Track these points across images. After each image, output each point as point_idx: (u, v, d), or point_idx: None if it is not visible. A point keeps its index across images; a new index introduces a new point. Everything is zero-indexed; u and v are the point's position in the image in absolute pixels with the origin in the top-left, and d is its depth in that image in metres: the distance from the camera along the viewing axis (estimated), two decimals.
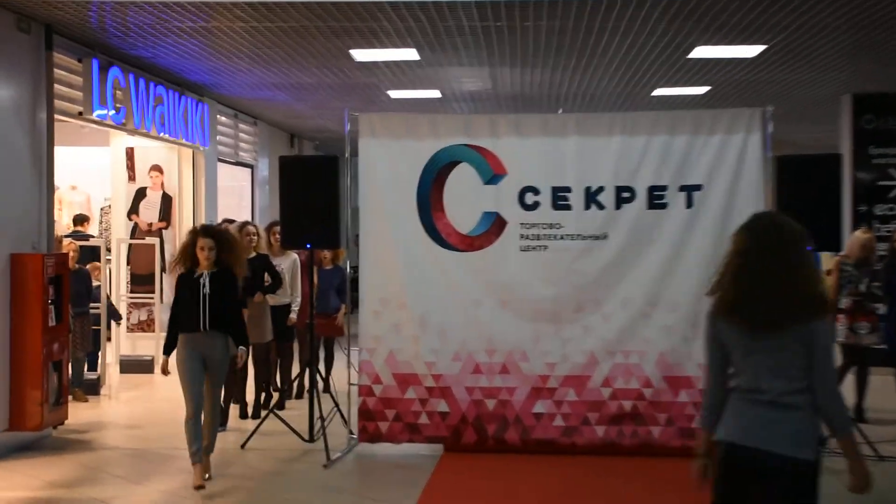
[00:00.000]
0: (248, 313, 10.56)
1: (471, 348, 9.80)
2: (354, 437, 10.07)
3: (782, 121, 14.40)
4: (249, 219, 16.46)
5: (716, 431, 4.64)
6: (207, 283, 8.47)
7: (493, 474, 9.13)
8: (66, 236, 13.16)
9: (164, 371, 8.65)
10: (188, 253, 8.62)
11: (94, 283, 12.84)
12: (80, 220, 15.19)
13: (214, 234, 8.67)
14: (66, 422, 10.65)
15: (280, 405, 11.49)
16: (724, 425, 4.62)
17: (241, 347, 8.77)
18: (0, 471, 9.26)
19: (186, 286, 8.57)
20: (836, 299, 11.33)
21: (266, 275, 11.11)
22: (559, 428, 9.70)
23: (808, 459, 4.50)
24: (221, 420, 10.50)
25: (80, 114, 11.34)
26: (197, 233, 8.73)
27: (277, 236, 11.52)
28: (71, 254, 11.81)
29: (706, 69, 13.25)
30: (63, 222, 14.61)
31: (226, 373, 8.94)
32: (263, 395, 11.70)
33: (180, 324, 8.58)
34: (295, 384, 12.36)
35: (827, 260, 12.29)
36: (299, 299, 11.71)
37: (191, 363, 8.46)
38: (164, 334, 14.65)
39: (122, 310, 14.58)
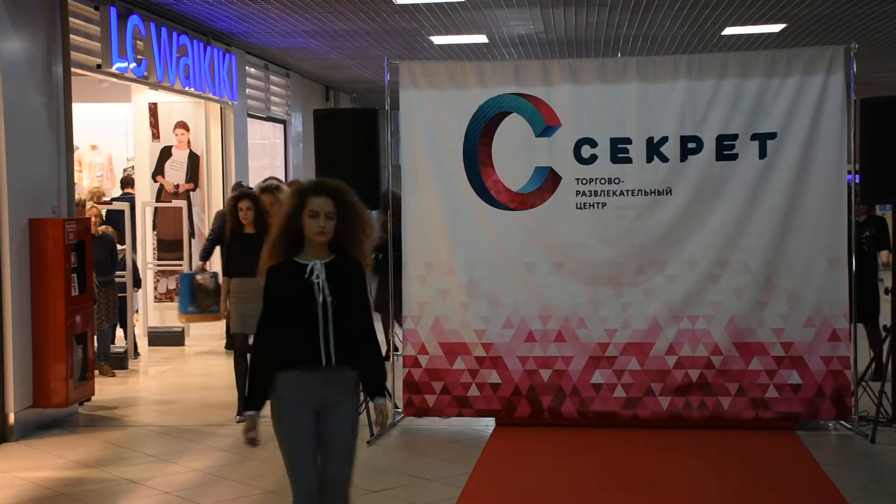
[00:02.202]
0: (248, 294, 10.31)
1: (523, 314, 9.81)
2: (399, 411, 10.15)
3: (868, 59, 14.29)
4: (284, 178, 16.52)
5: None
6: (324, 281, 5.38)
7: (548, 449, 9.17)
8: (115, 199, 13.30)
9: (253, 441, 5.46)
10: (287, 226, 5.43)
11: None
12: (128, 182, 15.29)
13: (335, 194, 5.41)
14: (92, 398, 10.80)
15: None
16: None
17: (378, 399, 5.55)
18: (24, 450, 9.41)
19: (285, 286, 5.40)
20: None
21: None
22: (620, 399, 9.70)
23: None
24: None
25: (99, 67, 11.40)
26: (304, 191, 5.40)
27: None
28: (93, 218, 11.91)
29: (782, 3, 13.10)
30: (83, 184, 14.73)
31: (355, 443, 5.58)
32: None
33: (280, 354, 5.40)
34: None
35: None
36: None
37: (299, 422, 5.39)
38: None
39: (149, 278, 14.73)
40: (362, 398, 5.68)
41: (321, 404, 5.36)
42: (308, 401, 5.34)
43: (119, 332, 13.56)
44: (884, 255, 11.72)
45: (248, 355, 10.38)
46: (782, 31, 15.11)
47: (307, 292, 5.31)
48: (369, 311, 5.65)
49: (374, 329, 5.58)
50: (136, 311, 14.22)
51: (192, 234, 14.96)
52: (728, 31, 15.11)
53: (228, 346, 13.66)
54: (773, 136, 9.63)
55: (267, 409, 5.37)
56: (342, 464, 5.46)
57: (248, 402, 5.45)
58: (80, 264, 10.32)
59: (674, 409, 9.67)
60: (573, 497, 7.93)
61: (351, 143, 10.05)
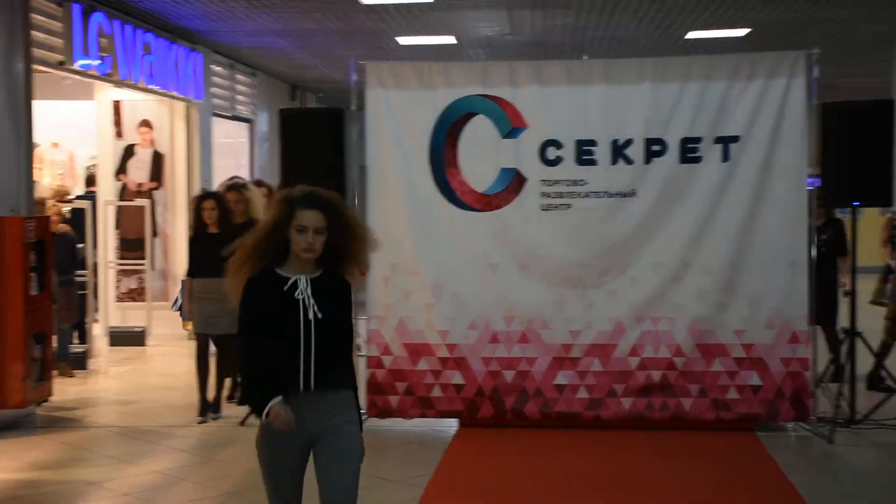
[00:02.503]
0: (212, 294, 10.19)
1: (488, 316, 9.83)
2: (363, 412, 10.15)
3: (829, 64, 14.37)
4: (249, 178, 16.49)
5: None
6: (311, 298, 4.89)
7: (511, 450, 9.19)
8: (80, 198, 13.23)
9: (289, 422, 4.77)
10: (270, 236, 4.93)
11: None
12: (93, 180, 15.20)
13: (326, 208, 4.89)
14: (50, 398, 10.71)
15: None
16: None
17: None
18: None
19: (264, 300, 4.89)
20: (890, 260, 11.40)
21: None
22: (583, 400, 9.75)
23: None
24: (218, 405, 10.59)
25: (61, 64, 11.35)
26: (294, 202, 4.88)
27: (265, 197, 11.42)
28: (54, 217, 11.87)
29: (746, 8, 13.22)
30: (45, 182, 14.63)
31: (357, 473, 5.06)
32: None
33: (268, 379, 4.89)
34: None
35: (876, 217, 12.30)
36: None
37: (282, 456, 4.96)
38: (158, 304, 14.86)
39: (111, 277, 14.66)
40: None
41: (311, 433, 4.83)
42: (293, 432, 4.74)
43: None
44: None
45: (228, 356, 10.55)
46: (746, 35, 15.22)
47: (290, 309, 4.81)
48: (351, 329, 5.20)
49: (352, 355, 5.15)
50: (97, 310, 14.15)
51: (154, 234, 14.92)
52: (692, 34, 15.20)
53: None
54: (736, 139, 9.69)
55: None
56: (342, 496, 4.92)
57: (260, 399, 4.78)
58: (40, 263, 10.26)
59: (636, 410, 9.72)
60: (536, 498, 7.94)
61: (317, 143, 10.02)
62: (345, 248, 4.94)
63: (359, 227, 5.05)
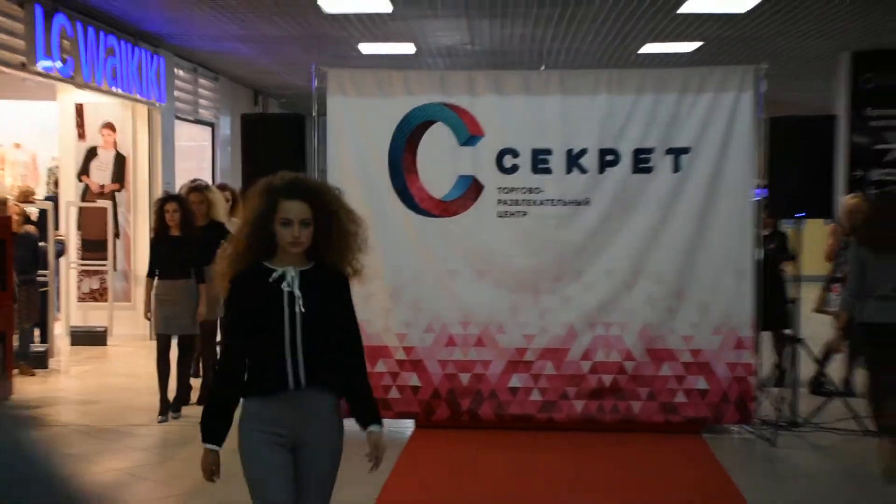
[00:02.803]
0: (173, 294, 10.41)
1: (445, 320, 9.88)
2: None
3: (776, 80, 14.52)
4: (211, 181, 16.48)
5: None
6: (298, 291, 4.53)
7: (467, 451, 9.25)
8: (48, 198, 13.23)
9: (211, 477, 4.70)
10: (254, 231, 4.58)
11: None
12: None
13: (311, 197, 4.55)
14: (11, 397, 10.72)
15: None
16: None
17: (375, 428, 4.80)
18: None
19: (250, 296, 4.58)
20: (833, 270, 11.55)
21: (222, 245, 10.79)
22: (536, 403, 9.83)
23: None
24: (178, 402, 10.61)
25: (23, 65, 11.31)
26: (274, 192, 4.53)
27: (226, 202, 11.52)
28: (15, 217, 11.82)
29: (697, 24, 13.33)
30: (6, 183, 14.59)
31: (334, 479, 4.92)
32: (204, 377, 11.34)
33: (246, 377, 4.63)
34: None
35: (820, 227, 12.47)
36: None
37: (270, 455, 4.56)
38: (119, 304, 14.83)
39: (73, 278, 14.65)
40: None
41: (295, 436, 4.50)
42: (278, 433, 4.46)
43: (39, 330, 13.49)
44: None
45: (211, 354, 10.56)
46: (697, 49, 15.34)
47: (275, 303, 4.42)
48: (357, 329, 4.72)
49: (362, 350, 4.77)
50: (58, 309, 14.14)
51: (116, 235, 14.90)
52: (645, 48, 15.32)
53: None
54: (686, 150, 9.78)
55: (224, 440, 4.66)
56: None
57: (206, 432, 4.52)
58: (1, 262, 10.24)
59: (588, 413, 9.80)
60: (489, 496, 8.03)
61: (279, 148, 10.02)
62: (332, 241, 4.51)
63: (347, 219, 4.59)
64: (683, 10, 12.24)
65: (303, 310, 4.39)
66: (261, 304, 4.45)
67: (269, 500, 4.51)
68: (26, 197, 13.84)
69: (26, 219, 12.74)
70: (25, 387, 11.63)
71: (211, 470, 4.56)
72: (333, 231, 4.49)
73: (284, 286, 4.44)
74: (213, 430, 4.53)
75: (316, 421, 4.53)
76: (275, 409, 4.46)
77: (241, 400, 4.60)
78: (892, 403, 9.08)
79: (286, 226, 4.38)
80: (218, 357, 11.31)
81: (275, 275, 4.46)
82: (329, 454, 4.63)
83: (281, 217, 4.38)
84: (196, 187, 11.11)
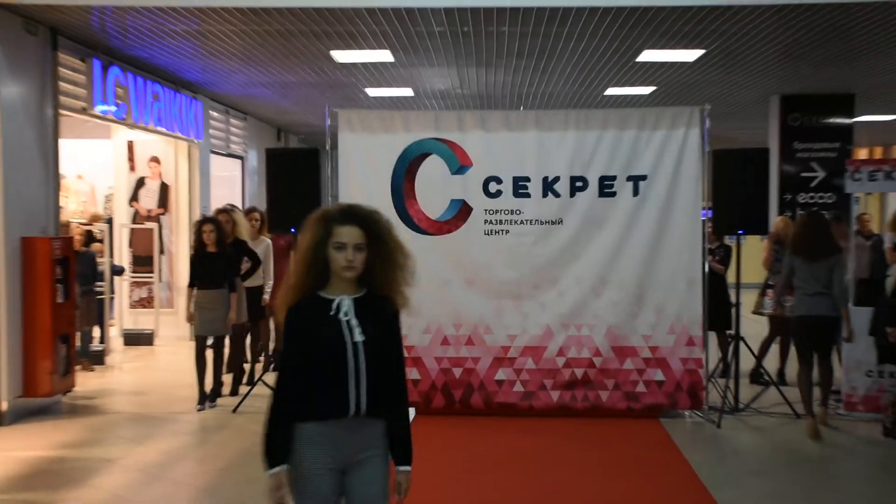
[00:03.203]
0: (210, 302, 10.29)
1: (440, 322, 9.85)
2: None
3: (718, 119, 14.51)
4: (241, 205, 16.40)
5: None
6: (354, 319, 3.92)
7: (459, 434, 9.22)
8: (105, 222, 13.22)
9: (280, 500, 3.90)
10: (310, 258, 3.94)
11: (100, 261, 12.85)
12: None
13: (364, 222, 3.96)
14: (74, 389, 10.62)
15: (251, 378, 11.31)
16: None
17: (402, 468, 4.06)
18: (15, 433, 9.29)
19: (308, 325, 3.92)
20: (768, 277, 11.52)
21: (243, 259, 10.80)
22: (518, 393, 9.79)
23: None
24: (214, 394, 10.55)
25: (84, 109, 11.25)
26: (329, 219, 3.95)
27: (255, 222, 11.44)
28: (77, 237, 11.81)
29: (651, 71, 13.31)
30: (70, 209, 14.52)
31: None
32: (235, 372, 11.22)
33: (300, 403, 3.91)
34: (274, 358, 12.24)
35: (757, 242, 12.42)
36: (271, 281, 11.50)
37: (320, 485, 3.90)
38: (164, 310, 14.82)
39: (125, 288, 14.56)
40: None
41: (347, 461, 3.88)
42: (332, 459, 3.84)
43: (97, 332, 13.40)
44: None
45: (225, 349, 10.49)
46: (652, 93, 15.32)
47: (334, 331, 3.84)
48: (402, 362, 4.08)
49: (405, 385, 4.09)
50: (113, 315, 14.04)
51: (161, 251, 14.83)
52: (608, 91, 15.29)
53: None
54: (644, 177, 9.78)
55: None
56: None
57: (268, 457, 3.87)
58: (65, 276, 10.18)
59: (562, 402, 9.76)
60: (479, 472, 7.95)
61: (297, 177, 10.01)
62: (384, 267, 3.93)
63: (397, 249, 4.00)
64: (640, 59, 12.20)
65: (362, 338, 3.83)
66: (319, 332, 3.83)
67: None
68: (94, 220, 13.84)
69: (90, 238, 12.69)
70: (85, 380, 11.55)
71: (280, 495, 3.82)
72: (385, 258, 3.91)
73: (341, 315, 3.85)
74: (274, 457, 3.84)
75: (370, 445, 3.90)
76: (331, 434, 3.82)
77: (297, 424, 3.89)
78: (825, 375, 9.30)
79: (340, 250, 3.82)
80: (243, 346, 11.28)
81: (332, 305, 3.87)
82: (381, 477, 3.94)
83: (335, 241, 3.83)
84: (223, 209, 11.07)
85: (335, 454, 3.83)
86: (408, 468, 3.98)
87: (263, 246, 11.40)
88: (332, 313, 3.85)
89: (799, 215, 11.96)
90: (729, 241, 11.25)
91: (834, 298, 9.05)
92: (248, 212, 11.79)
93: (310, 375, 3.83)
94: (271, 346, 12.20)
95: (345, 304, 3.87)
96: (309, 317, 3.86)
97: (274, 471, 3.82)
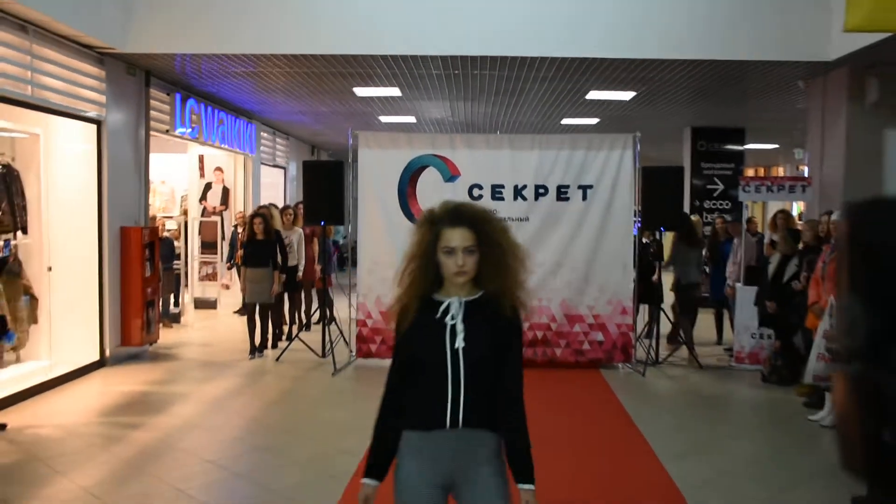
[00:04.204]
0: (258, 277, 10.23)
1: None
2: (353, 354, 10.16)
3: (646, 143, 14.54)
4: (280, 204, 16.39)
5: None
6: (461, 323, 2.78)
7: None
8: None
9: None
10: (419, 262, 2.84)
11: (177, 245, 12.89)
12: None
13: (474, 223, 2.79)
14: (157, 341, 10.64)
15: (290, 335, 11.28)
16: None
17: (524, 486, 2.76)
18: (115, 372, 9.33)
19: (416, 329, 2.82)
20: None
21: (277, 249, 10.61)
22: None
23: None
24: (261, 346, 10.51)
25: (167, 131, 11.23)
26: (438, 222, 2.82)
27: (289, 216, 11.36)
28: (160, 227, 11.82)
29: (596, 107, 13.33)
30: (155, 206, 14.48)
31: None
32: (277, 330, 11.10)
33: (405, 411, 2.86)
34: (307, 320, 12.23)
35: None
36: (303, 262, 11.38)
37: (415, 497, 2.79)
38: (225, 283, 14.82)
39: (196, 266, 14.55)
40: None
41: (454, 476, 2.77)
42: (433, 472, 2.76)
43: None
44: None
45: (263, 316, 10.49)
46: (597, 123, 15.36)
47: (436, 336, 2.77)
48: (520, 379, 2.83)
49: (522, 401, 2.84)
50: (186, 286, 14.01)
51: (223, 238, 14.82)
52: (564, 121, 15.32)
53: (237, 311, 13.67)
54: (591, 186, 9.78)
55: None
56: None
57: (368, 467, 2.86)
58: (151, 256, 10.19)
59: (526, 356, 9.70)
60: None
61: (326, 183, 10.02)
62: (496, 270, 2.79)
63: (509, 249, 2.83)
64: (588, 97, 12.24)
65: (463, 344, 2.74)
66: (424, 336, 2.80)
67: None
68: (185, 213, 14.06)
69: (167, 229, 12.73)
70: (165, 335, 11.53)
71: (365, 501, 2.84)
72: (497, 261, 2.80)
73: (448, 319, 2.79)
74: (371, 465, 2.86)
75: (477, 462, 2.77)
76: (432, 446, 2.76)
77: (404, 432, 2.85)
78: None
79: (449, 255, 2.76)
80: (281, 312, 11.28)
81: (441, 307, 2.81)
82: (497, 498, 2.77)
83: (444, 246, 2.77)
84: (261, 206, 11.26)
85: (437, 467, 2.77)
86: (530, 487, 2.76)
87: (297, 235, 11.34)
88: (437, 317, 2.80)
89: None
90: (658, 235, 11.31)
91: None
92: (285, 209, 11.80)
93: (414, 382, 2.83)
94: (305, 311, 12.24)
95: (453, 307, 2.81)
96: (417, 320, 2.83)
97: (365, 481, 2.85)
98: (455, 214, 2.81)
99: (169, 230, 13.06)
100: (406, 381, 2.84)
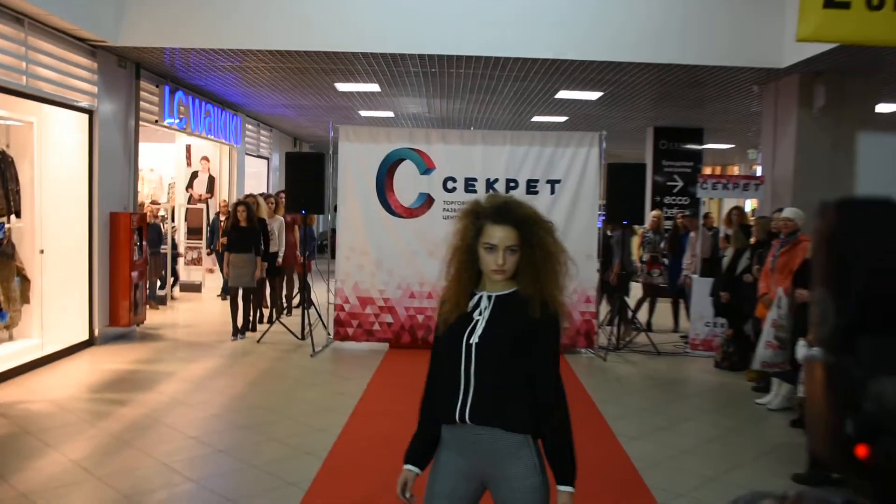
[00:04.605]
0: (241, 263, 10.22)
1: (408, 281, 9.84)
2: (331, 337, 10.17)
3: (611, 141, 14.69)
4: (266, 191, 16.30)
5: None
6: (486, 314, 2.57)
7: (421, 362, 9.18)
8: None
9: (402, 491, 2.65)
10: (462, 258, 2.62)
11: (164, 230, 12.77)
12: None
13: (521, 223, 2.55)
14: (144, 322, 10.58)
15: (270, 318, 11.23)
16: None
17: (563, 488, 2.52)
18: (104, 351, 9.27)
19: (449, 322, 2.63)
20: (641, 255, 11.69)
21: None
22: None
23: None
24: (242, 328, 10.46)
25: (156, 121, 11.13)
26: (482, 216, 2.58)
27: (271, 205, 11.28)
28: (149, 213, 11.73)
29: (565, 106, 13.37)
30: (144, 193, 14.35)
31: None
32: (258, 314, 11.14)
33: (437, 406, 2.66)
34: (287, 304, 12.18)
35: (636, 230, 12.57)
36: (283, 248, 11.31)
37: (445, 482, 2.63)
38: (208, 268, 14.74)
39: (182, 250, 14.47)
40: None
41: (484, 473, 2.58)
42: (464, 463, 2.59)
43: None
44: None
45: (240, 300, 10.46)
46: (565, 121, 15.39)
47: (459, 330, 2.58)
48: (556, 379, 2.55)
49: (559, 398, 2.55)
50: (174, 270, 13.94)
51: (208, 225, 14.72)
52: (535, 118, 15.34)
53: (220, 295, 13.63)
54: (559, 181, 9.82)
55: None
56: None
57: (408, 454, 2.70)
58: (140, 240, 10.12)
59: None
60: None
61: (308, 174, 10.01)
62: (536, 273, 2.55)
63: (556, 251, 2.62)
64: (557, 97, 12.27)
65: (477, 340, 2.53)
66: (452, 330, 2.60)
67: None
68: (172, 202, 13.80)
69: (156, 215, 12.64)
70: (152, 316, 11.48)
71: (403, 486, 2.65)
72: (541, 262, 2.56)
73: (476, 314, 2.59)
74: (411, 451, 2.70)
75: (498, 459, 2.54)
76: (457, 440, 2.60)
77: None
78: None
79: (490, 251, 2.53)
80: (262, 296, 11.28)
81: (474, 300, 2.61)
82: (521, 494, 2.52)
83: (485, 242, 2.54)
84: (248, 195, 11.19)
85: (466, 460, 2.59)
86: (570, 489, 2.53)
87: (278, 223, 11.30)
88: (468, 310, 2.60)
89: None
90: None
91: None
92: (267, 197, 11.76)
93: (445, 377, 2.64)
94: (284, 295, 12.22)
95: (483, 302, 2.60)
96: (451, 312, 2.62)
97: (407, 467, 2.69)
98: (501, 211, 2.56)
99: (159, 216, 12.96)
100: (438, 374, 2.68)
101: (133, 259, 9.91)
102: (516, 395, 2.53)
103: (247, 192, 14.90)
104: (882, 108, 10.95)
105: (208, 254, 14.19)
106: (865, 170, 9.40)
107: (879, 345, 0.79)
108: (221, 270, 12.45)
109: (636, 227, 11.53)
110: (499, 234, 2.51)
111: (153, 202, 13.25)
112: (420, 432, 2.70)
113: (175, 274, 13.50)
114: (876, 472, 0.78)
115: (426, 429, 2.68)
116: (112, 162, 9.81)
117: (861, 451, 0.77)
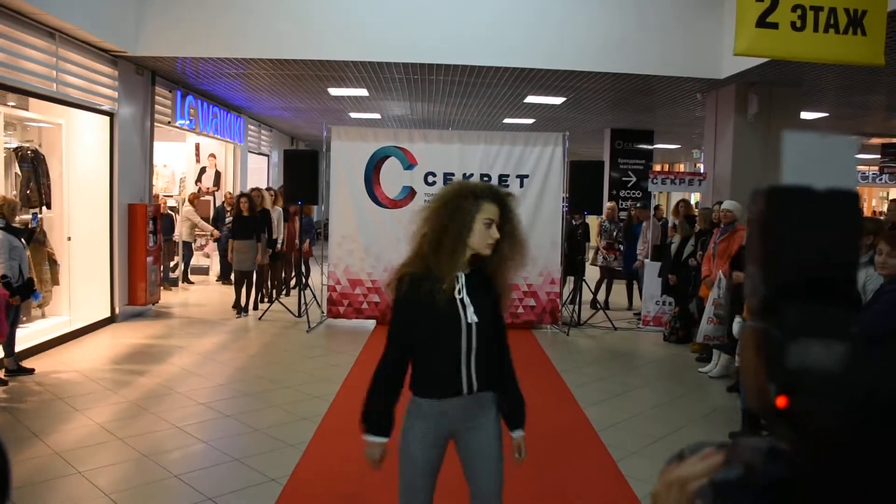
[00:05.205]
0: (243, 248, 10.16)
1: (393, 265, 9.67)
2: (325, 315, 10.16)
3: (573, 141, 14.71)
4: (266, 186, 16.21)
5: None
6: (467, 298, 2.53)
7: None
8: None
9: (377, 465, 2.59)
10: (457, 234, 2.51)
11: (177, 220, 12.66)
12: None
13: (501, 200, 2.58)
14: (159, 301, 10.52)
15: (271, 298, 11.17)
16: None
17: (517, 433, 2.70)
18: (123, 327, 9.23)
19: (421, 300, 2.51)
20: (599, 240, 11.75)
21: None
22: None
23: None
24: (245, 307, 10.39)
25: (169, 123, 11.01)
26: (480, 195, 2.55)
27: (270, 197, 11.19)
28: (162, 205, 11.64)
29: (533, 109, 13.38)
30: (158, 186, 14.20)
31: (502, 467, 2.65)
32: (259, 294, 11.03)
33: (414, 378, 2.61)
34: (285, 285, 12.17)
35: (594, 220, 12.63)
36: (281, 236, 11.26)
37: (424, 460, 2.57)
38: (214, 253, 14.65)
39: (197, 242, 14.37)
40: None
41: (456, 429, 2.60)
42: (440, 431, 2.58)
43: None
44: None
45: (242, 284, 10.43)
46: (533, 122, 15.40)
47: (448, 309, 2.50)
48: (506, 338, 2.72)
49: (510, 354, 2.73)
50: (183, 255, 13.82)
51: (215, 216, 14.61)
52: (506, 120, 15.34)
53: (219, 279, 13.54)
54: (527, 176, 9.82)
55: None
56: (491, 488, 2.61)
57: (371, 427, 2.57)
58: (154, 228, 10.05)
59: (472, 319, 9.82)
60: None
61: (304, 170, 9.98)
62: (505, 248, 2.57)
63: (518, 235, 2.62)
64: (526, 101, 12.28)
65: (475, 319, 2.52)
66: (432, 308, 2.49)
67: (409, 490, 2.60)
68: (195, 196, 13.57)
69: (168, 206, 12.50)
70: (166, 297, 11.44)
71: (379, 459, 2.58)
72: (509, 239, 2.58)
73: (456, 293, 2.52)
74: (378, 425, 2.57)
75: (480, 415, 2.60)
76: (444, 411, 2.55)
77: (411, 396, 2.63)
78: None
79: (489, 226, 2.52)
80: (264, 278, 11.18)
81: (448, 281, 2.51)
82: (496, 438, 2.62)
83: (485, 217, 2.52)
84: (253, 188, 11.12)
85: (442, 428, 2.58)
86: (520, 432, 2.69)
87: (277, 213, 11.26)
88: (443, 289, 2.50)
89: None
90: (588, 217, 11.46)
91: None
92: (266, 190, 11.71)
93: (422, 351, 2.56)
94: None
95: (459, 281, 2.54)
96: (422, 290, 2.51)
97: (372, 439, 2.57)
98: (493, 191, 2.59)
99: (171, 208, 12.85)
100: (407, 347, 2.57)
101: (148, 245, 9.85)
102: (494, 359, 2.63)
103: (250, 185, 14.82)
104: (806, 115, 11.09)
105: (213, 240, 14.09)
106: (791, 166, 9.51)
107: (801, 311, 0.83)
108: (222, 257, 12.43)
109: (594, 216, 11.59)
110: (494, 210, 2.54)
111: (193, 198, 13.18)
112: (381, 402, 2.56)
113: (187, 260, 13.35)
114: (794, 421, 0.82)
115: (387, 400, 2.56)
116: (130, 159, 9.74)
117: (781, 402, 0.81)
